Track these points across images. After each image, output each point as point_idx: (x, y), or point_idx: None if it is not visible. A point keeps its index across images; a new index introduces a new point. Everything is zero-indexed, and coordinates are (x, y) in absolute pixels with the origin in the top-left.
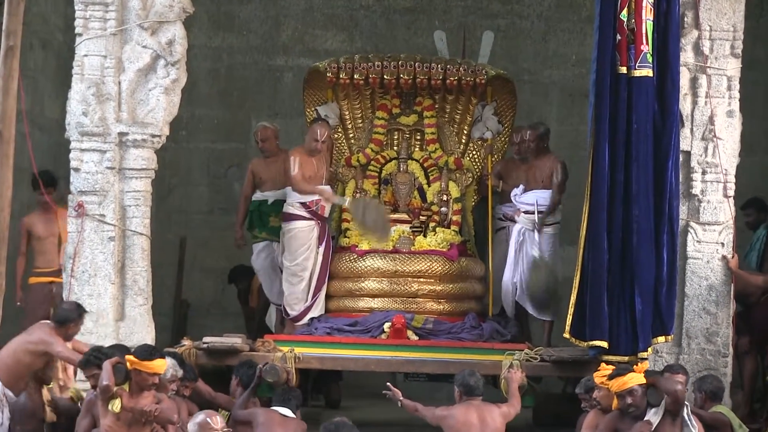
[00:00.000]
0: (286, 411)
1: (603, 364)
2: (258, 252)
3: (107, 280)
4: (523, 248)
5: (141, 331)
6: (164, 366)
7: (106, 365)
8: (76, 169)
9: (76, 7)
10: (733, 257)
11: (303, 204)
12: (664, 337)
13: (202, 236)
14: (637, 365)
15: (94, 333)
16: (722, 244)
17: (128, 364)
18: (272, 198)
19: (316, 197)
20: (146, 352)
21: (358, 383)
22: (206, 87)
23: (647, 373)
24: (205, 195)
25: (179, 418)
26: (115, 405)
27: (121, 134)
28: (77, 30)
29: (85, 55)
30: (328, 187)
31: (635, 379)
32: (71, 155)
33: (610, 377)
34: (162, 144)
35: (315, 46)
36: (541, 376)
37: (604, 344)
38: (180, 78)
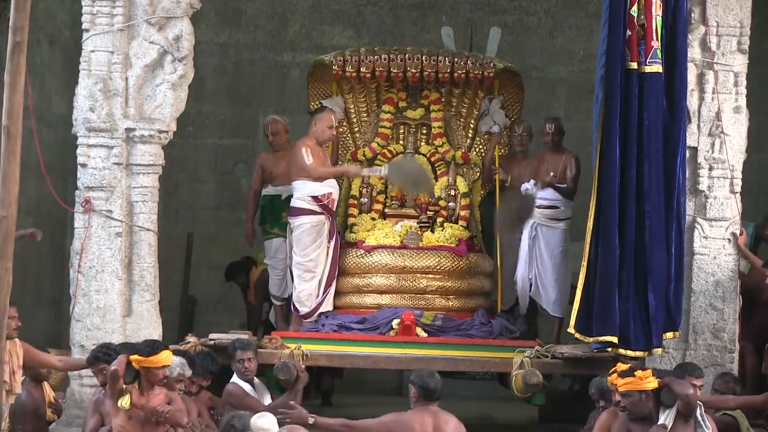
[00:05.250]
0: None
1: (619, 364)
2: (275, 251)
3: (114, 275)
4: (536, 243)
5: (148, 327)
6: (170, 357)
7: (121, 358)
8: (83, 165)
9: (83, 3)
10: (741, 234)
11: (315, 198)
12: (672, 332)
13: (209, 232)
14: (639, 370)
15: (101, 329)
16: (729, 239)
17: (134, 363)
18: (286, 193)
19: (328, 190)
20: (149, 348)
21: (360, 379)
22: (213, 83)
23: (663, 373)
24: (213, 191)
25: (189, 419)
26: (125, 401)
27: (128, 130)
28: (84, 26)
29: (92, 51)
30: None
31: (633, 383)
32: (78, 151)
33: (620, 375)
34: (169, 140)
35: (322, 42)
36: (551, 374)
37: (614, 339)
38: (187, 74)
